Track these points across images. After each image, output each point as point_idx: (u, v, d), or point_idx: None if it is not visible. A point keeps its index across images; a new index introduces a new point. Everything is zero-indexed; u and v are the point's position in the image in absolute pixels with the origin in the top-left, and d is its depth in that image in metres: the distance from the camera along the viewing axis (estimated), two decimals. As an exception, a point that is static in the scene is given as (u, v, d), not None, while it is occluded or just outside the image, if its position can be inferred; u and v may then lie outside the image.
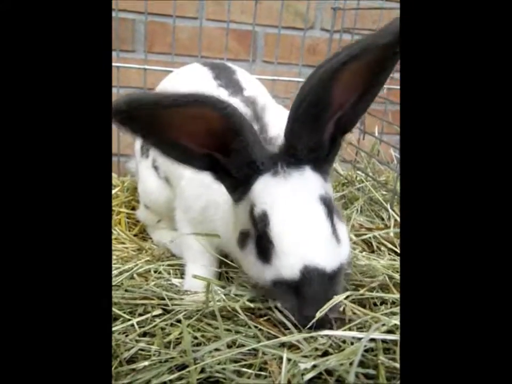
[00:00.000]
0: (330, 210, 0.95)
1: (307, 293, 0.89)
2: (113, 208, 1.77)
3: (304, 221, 0.92)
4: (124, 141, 2.03)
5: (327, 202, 0.95)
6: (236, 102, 1.19)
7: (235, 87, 1.30)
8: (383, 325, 0.93)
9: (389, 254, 1.37)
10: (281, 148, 0.97)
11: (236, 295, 1.07)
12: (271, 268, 0.92)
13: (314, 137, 0.96)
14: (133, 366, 0.86)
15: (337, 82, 0.90)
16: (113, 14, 1.85)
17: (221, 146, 0.94)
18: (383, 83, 0.97)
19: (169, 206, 1.37)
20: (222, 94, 1.26)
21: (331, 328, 0.92)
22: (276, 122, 1.12)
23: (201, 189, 1.15)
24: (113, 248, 1.51)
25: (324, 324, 0.91)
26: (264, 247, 0.93)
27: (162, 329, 0.98)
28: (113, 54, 1.88)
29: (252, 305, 1.00)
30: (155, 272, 1.33)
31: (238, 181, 0.98)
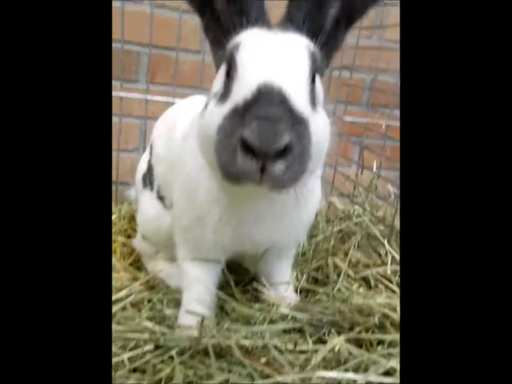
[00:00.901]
0: (315, 66, 0.85)
1: (255, 111, 0.74)
2: (109, 236, 1.76)
3: (282, 51, 0.83)
4: (123, 169, 2.04)
5: (314, 58, 0.86)
6: None
7: None
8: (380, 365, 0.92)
9: (386, 292, 1.35)
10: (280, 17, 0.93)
11: (230, 330, 1.05)
12: (228, 100, 0.80)
13: (316, 11, 0.92)
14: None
15: None
16: (119, 45, 1.89)
17: None
18: None
19: (169, 236, 1.35)
20: None
21: (278, 175, 0.74)
22: None
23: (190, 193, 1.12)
24: (107, 277, 1.49)
25: (267, 154, 0.73)
26: (227, 87, 0.83)
27: (154, 365, 0.95)
28: (117, 83, 1.91)
29: (247, 343, 0.98)
30: (148, 302, 1.31)
31: (224, 32, 0.90)
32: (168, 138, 1.38)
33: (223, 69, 0.89)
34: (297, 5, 0.92)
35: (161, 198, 1.43)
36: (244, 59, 0.81)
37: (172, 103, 1.91)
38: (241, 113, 0.75)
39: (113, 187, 2.05)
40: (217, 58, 0.96)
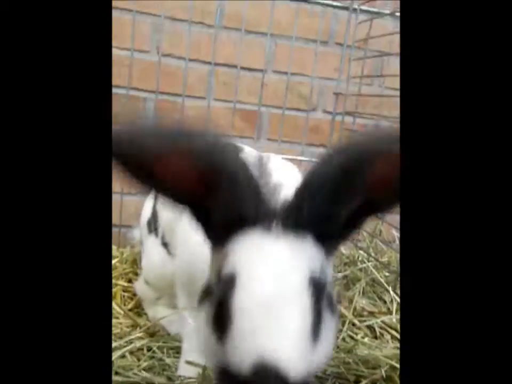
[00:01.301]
0: (318, 297, 0.73)
1: None
2: (110, 280, 1.74)
3: (278, 303, 0.69)
4: (126, 212, 2.04)
5: (317, 286, 0.73)
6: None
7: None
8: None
9: (393, 341, 1.32)
10: (284, 204, 0.78)
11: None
12: (223, 348, 0.70)
13: (331, 207, 0.76)
14: None
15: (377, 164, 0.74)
16: (124, 91, 1.94)
17: (208, 189, 0.76)
18: None
19: (173, 283, 1.33)
20: None
21: None
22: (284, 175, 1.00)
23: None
24: (106, 323, 1.46)
25: None
26: (222, 318, 0.71)
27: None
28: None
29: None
30: (148, 350, 1.28)
31: (218, 230, 0.79)
32: None
33: (216, 270, 0.78)
34: (307, 199, 0.76)
35: (165, 244, 1.42)
36: (239, 315, 0.69)
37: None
38: (237, 381, 0.68)
39: (116, 230, 2.05)
40: (210, 242, 0.84)
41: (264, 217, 0.75)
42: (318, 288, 0.72)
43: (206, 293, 0.80)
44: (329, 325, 0.76)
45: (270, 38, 2.11)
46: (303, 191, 0.76)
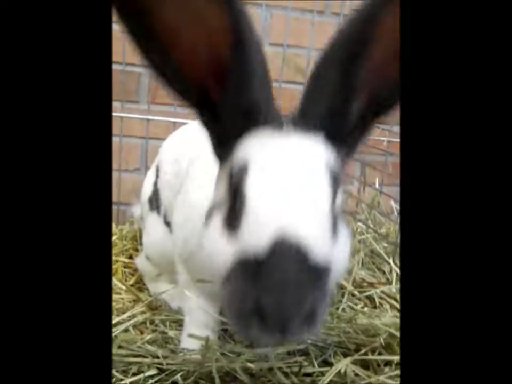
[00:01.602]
0: (335, 190, 0.69)
1: (271, 275, 0.60)
2: (110, 257, 1.75)
3: (296, 182, 0.66)
4: (124, 189, 2.04)
5: (334, 177, 0.69)
6: None
7: None
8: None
9: (392, 311, 1.34)
10: (293, 112, 0.76)
11: (234, 352, 1.04)
12: (237, 239, 0.66)
13: (339, 103, 0.75)
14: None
15: (378, 30, 0.72)
16: (120, 66, 1.90)
17: (218, 74, 0.71)
18: None
19: (174, 260, 1.33)
20: None
21: (299, 335, 0.64)
22: None
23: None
24: (108, 299, 1.47)
25: (287, 325, 0.61)
26: (234, 214, 0.67)
27: (157, 391, 0.93)
28: (118, 104, 1.93)
29: (252, 365, 0.96)
30: (151, 323, 1.29)
31: (227, 132, 0.75)
32: (176, 170, 1.36)
33: (225, 178, 0.74)
34: (314, 99, 0.75)
35: (167, 223, 1.41)
36: (253, 196, 0.65)
37: (173, 123, 1.92)
38: (253, 272, 0.62)
39: (115, 207, 2.05)
40: (218, 153, 0.81)
41: (275, 115, 0.73)
42: (334, 177, 0.69)
43: (211, 211, 0.76)
44: (343, 232, 0.73)
45: (265, 8, 2.07)
46: (309, 91, 0.75)
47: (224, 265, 0.67)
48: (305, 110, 0.75)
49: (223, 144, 0.76)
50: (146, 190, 1.54)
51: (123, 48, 1.85)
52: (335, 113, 0.75)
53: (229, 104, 0.73)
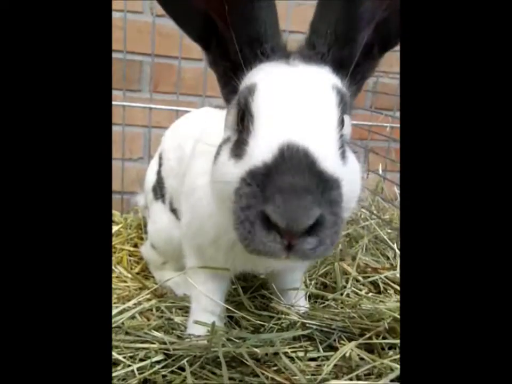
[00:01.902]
0: (343, 111, 0.71)
1: (279, 177, 0.61)
2: (115, 245, 1.76)
3: (304, 97, 0.68)
4: (128, 178, 2.04)
5: (342, 99, 0.71)
6: None
7: None
8: (392, 370, 0.91)
9: (396, 295, 1.34)
10: (300, 44, 0.78)
11: (240, 338, 1.05)
12: (245, 158, 0.68)
13: (345, 32, 0.76)
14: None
15: None
16: (121, 55, 1.89)
17: (224, 6, 0.72)
18: None
19: (180, 247, 1.34)
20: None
21: (306, 249, 0.63)
22: None
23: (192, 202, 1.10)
24: (114, 286, 1.49)
25: (292, 231, 0.60)
26: (242, 138, 0.69)
27: (164, 376, 0.94)
28: (120, 93, 1.92)
29: (257, 350, 0.97)
30: (157, 310, 1.30)
31: (234, 67, 0.76)
32: (179, 156, 1.36)
33: (234, 111, 0.76)
34: (321, 30, 0.76)
35: (173, 210, 1.42)
36: (261, 110, 0.67)
37: (175, 112, 1.92)
38: (260, 179, 0.62)
39: (118, 197, 2.05)
40: (226, 94, 0.82)
41: (282, 47, 0.75)
42: (342, 101, 0.70)
43: (219, 148, 0.77)
44: (352, 157, 0.74)
45: (266, -6, 2.04)
46: (315, 21, 0.77)
47: (232, 186, 0.67)
48: (312, 40, 0.76)
49: (232, 80, 0.77)
50: (150, 179, 1.55)
51: (124, 36, 1.84)
52: (341, 42, 0.75)
53: (237, 37, 0.73)
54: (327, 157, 0.64)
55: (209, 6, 0.74)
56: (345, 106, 0.71)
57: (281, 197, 0.59)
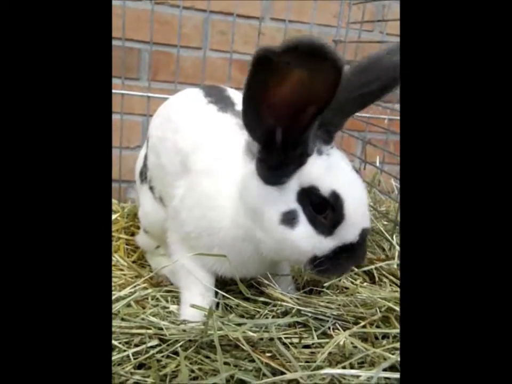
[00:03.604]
0: None
1: (360, 250, 1.06)
2: (112, 234, 1.76)
3: (362, 193, 1.07)
4: (125, 167, 2.04)
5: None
6: (226, 116, 1.25)
7: (226, 102, 1.32)
8: (385, 359, 0.92)
9: (391, 286, 1.35)
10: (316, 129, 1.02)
11: (235, 323, 1.05)
12: (334, 237, 1.03)
13: (340, 118, 1.08)
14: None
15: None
16: (120, 43, 1.88)
17: (290, 120, 0.96)
18: None
19: (164, 229, 1.36)
20: (212, 109, 1.28)
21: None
22: None
23: (199, 205, 1.16)
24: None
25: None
26: (329, 222, 1.02)
27: (159, 361, 0.95)
28: (118, 81, 1.91)
29: (254, 334, 0.98)
30: (152, 299, 1.31)
31: (285, 162, 1.02)
32: (161, 136, 1.38)
33: (288, 194, 1.03)
34: (332, 116, 1.04)
35: (151, 188, 1.44)
36: (351, 209, 1.01)
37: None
38: (348, 249, 1.04)
39: (116, 185, 2.05)
40: (264, 173, 1.05)
41: (313, 142, 1.02)
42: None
43: (289, 215, 1.03)
44: None
45: (267, -17, 2.03)
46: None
47: (316, 252, 1.04)
48: (326, 126, 1.04)
49: (280, 170, 1.03)
50: (138, 165, 1.56)
51: (122, 24, 1.83)
52: (339, 123, 1.09)
53: (292, 143, 1.00)
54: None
55: (276, 122, 0.98)
56: None
57: (359, 257, 1.08)
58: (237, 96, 1.39)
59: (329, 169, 1.02)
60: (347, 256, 1.04)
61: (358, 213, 1.02)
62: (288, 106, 0.92)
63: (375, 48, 2.14)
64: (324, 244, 1.03)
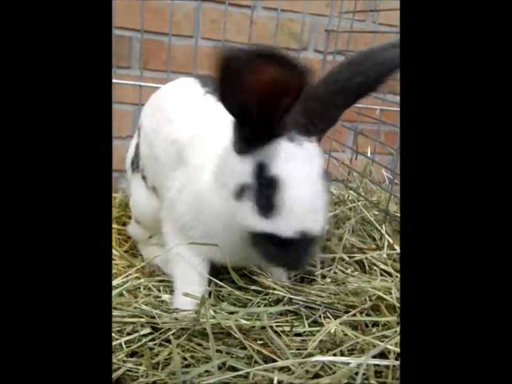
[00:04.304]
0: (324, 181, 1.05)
1: (294, 252, 1.00)
2: (104, 223, 1.76)
3: (312, 192, 1.01)
4: (116, 156, 2.02)
5: (324, 176, 1.05)
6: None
7: None
8: (374, 346, 0.93)
9: (381, 275, 1.36)
10: (294, 116, 1.00)
11: (227, 312, 1.06)
12: (271, 222, 0.99)
13: (329, 111, 1.07)
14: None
15: None
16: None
17: (264, 105, 0.94)
18: None
19: (156, 218, 1.36)
20: (209, 100, 1.27)
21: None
22: None
23: (197, 200, 1.16)
24: (103, 264, 1.49)
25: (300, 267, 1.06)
26: (267, 204, 1.00)
27: (151, 349, 0.96)
28: (109, 70, 1.89)
29: (247, 322, 0.99)
30: (144, 288, 1.31)
31: (255, 135, 1.01)
32: (155, 127, 1.38)
33: (249, 168, 1.02)
34: (315, 108, 1.04)
35: (144, 177, 1.44)
36: (291, 202, 0.98)
37: (165, 89, 1.89)
38: (282, 243, 0.99)
39: (107, 175, 2.04)
40: (238, 146, 1.05)
41: (288, 127, 0.99)
42: (324, 176, 1.03)
43: (241, 187, 1.03)
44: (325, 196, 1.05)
45: (258, -29, 2.02)
46: (307, 103, 0.99)
47: (253, 231, 1.01)
48: (306, 116, 1.02)
49: (248, 143, 1.02)
50: (129, 155, 1.56)
51: (113, 12, 1.81)
52: (326, 116, 1.07)
53: (265, 122, 0.97)
54: (319, 233, 1.01)
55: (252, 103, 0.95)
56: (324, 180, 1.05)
57: (294, 260, 1.02)
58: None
59: (289, 156, 1.00)
60: (280, 253, 1.00)
61: (297, 209, 0.98)
62: (261, 95, 0.91)
63: (367, 38, 2.15)
64: (259, 223, 1.00)
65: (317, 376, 0.88)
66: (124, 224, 1.79)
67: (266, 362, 0.91)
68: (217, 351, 0.93)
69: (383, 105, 2.03)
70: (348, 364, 0.90)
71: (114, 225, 1.77)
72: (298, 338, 1.03)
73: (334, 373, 0.88)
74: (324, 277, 1.30)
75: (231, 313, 1.05)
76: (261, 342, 0.97)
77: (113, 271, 1.45)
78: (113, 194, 1.99)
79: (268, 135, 0.99)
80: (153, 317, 1.04)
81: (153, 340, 0.98)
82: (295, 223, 0.98)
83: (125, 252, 1.64)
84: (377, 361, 0.90)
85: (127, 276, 1.34)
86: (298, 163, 1.00)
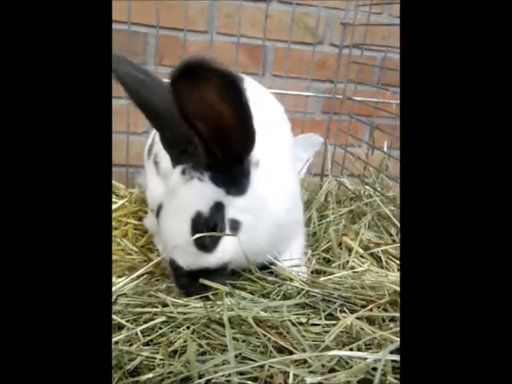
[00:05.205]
0: (204, 223, 1.08)
1: (173, 278, 1.17)
2: (120, 219, 1.77)
3: (172, 228, 1.12)
4: (132, 152, 2.04)
5: (201, 219, 1.08)
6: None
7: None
8: (392, 342, 0.92)
9: (399, 270, 1.35)
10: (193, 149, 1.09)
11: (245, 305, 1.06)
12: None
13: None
14: (136, 378, 0.84)
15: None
16: (126, 27, 1.87)
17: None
18: None
19: None
20: None
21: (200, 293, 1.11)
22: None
23: None
24: (120, 259, 1.50)
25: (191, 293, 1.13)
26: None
27: (165, 336, 0.96)
28: (125, 66, 1.90)
29: (266, 314, 0.99)
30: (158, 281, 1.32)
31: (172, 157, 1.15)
32: None
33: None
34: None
35: (156, 163, 1.45)
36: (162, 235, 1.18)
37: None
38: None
39: (123, 170, 2.06)
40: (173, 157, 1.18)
41: (187, 158, 1.10)
42: (202, 220, 1.08)
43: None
44: (225, 239, 1.11)
45: (274, -34, 2.01)
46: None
47: None
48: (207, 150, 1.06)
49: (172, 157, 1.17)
50: (148, 141, 1.59)
51: (128, 7, 1.82)
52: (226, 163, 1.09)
53: (176, 144, 1.15)
54: (190, 267, 1.14)
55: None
56: (209, 220, 1.11)
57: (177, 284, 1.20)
58: (254, 87, 1.37)
59: (170, 188, 1.12)
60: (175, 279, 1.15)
61: (165, 238, 1.14)
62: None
63: (384, 31, 2.12)
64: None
65: (333, 370, 0.87)
66: (140, 219, 1.80)
67: (282, 352, 0.91)
68: (234, 338, 0.93)
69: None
70: (365, 359, 0.89)
71: (130, 220, 1.78)
72: (313, 331, 1.02)
73: (351, 367, 0.87)
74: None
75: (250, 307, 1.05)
76: (277, 331, 0.97)
77: (129, 265, 1.46)
78: (130, 190, 2.01)
79: (174, 160, 1.13)
80: (168, 305, 1.04)
81: (168, 328, 0.98)
82: (165, 246, 1.14)
83: (142, 246, 1.65)
84: (394, 357, 0.89)
85: (143, 271, 1.34)
86: (168, 198, 1.12)
